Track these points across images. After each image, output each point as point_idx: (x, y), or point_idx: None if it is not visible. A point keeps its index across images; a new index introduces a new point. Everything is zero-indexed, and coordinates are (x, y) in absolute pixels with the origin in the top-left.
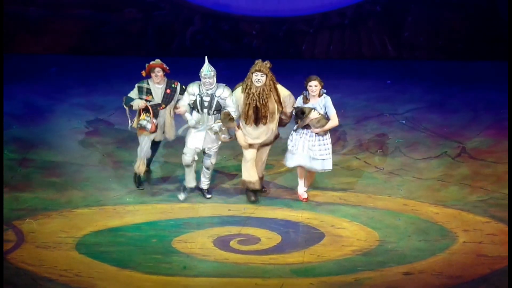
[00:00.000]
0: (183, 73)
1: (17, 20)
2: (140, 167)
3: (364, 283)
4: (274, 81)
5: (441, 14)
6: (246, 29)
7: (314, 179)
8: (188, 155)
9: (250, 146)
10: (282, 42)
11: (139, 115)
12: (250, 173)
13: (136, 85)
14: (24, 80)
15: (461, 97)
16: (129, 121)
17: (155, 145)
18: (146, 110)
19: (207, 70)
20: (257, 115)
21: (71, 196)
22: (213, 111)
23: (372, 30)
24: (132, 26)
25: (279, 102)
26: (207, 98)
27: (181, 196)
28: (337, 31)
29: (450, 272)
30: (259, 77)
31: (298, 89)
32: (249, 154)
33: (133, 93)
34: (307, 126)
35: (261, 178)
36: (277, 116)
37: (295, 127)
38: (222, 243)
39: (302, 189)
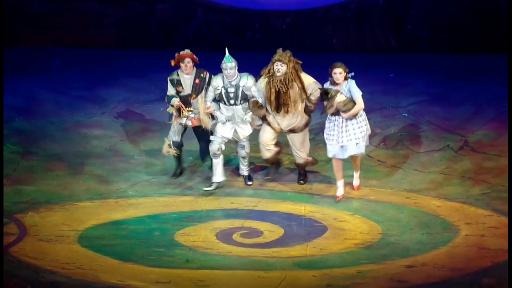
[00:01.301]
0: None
1: (21, 13)
2: (165, 148)
3: (366, 275)
4: (298, 69)
5: (444, 7)
6: (249, 22)
7: (358, 163)
8: (215, 143)
9: (276, 130)
10: (285, 35)
11: (181, 113)
12: (265, 153)
13: (168, 79)
14: (28, 73)
15: (464, 91)
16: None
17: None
18: (180, 109)
19: (228, 61)
20: (279, 102)
21: (73, 189)
22: (240, 101)
23: (375, 23)
24: (135, 19)
25: (303, 89)
26: (231, 89)
27: (209, 188)
28: (340, 24)
29: (453, 265)
30: (279, 67)
31: None
32: (264, 135)
33: (170, 89)
34: (336, 112)
35: (300, 165)
36: (301, 104)
37: (322, 111)
38: (225, 236)
39: (341, 191)
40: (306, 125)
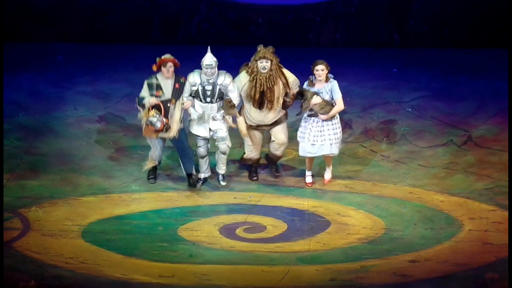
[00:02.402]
0: (189, 61)
1: (24, 8)
2: (149, 165)
3: (370, 270)
4: (280, 64)
5: (447, 2)
6: (252, 17)
7: (331, 160)
8: (202, 148)
9: (255, 129)
10: (288, 30)
11: (148, 111)
12: (252, 152)
13: (146, 82)
14: (31, 68)
15: (467, 85)
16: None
17: (182, 142)
18: (157, 107)
19: (209, 60)
20: (262, 99)
21: (77, 184)
22: (216, 99)
23: (378, 18)
24: (138, 14)
25: (287, 84)
26: (209, 87)
27: (198, 186)
28: (343, 19)
29: (456, 260)
30: (264, 64)
31: (303, 77)
32: (253, 139)
33: (144, 91)
34: (314, 114)
35: (279, 157)
36: (281, 100)
37: (297, 113)
38: (228, 231)
39: (309, 179)
40: (286, 115)
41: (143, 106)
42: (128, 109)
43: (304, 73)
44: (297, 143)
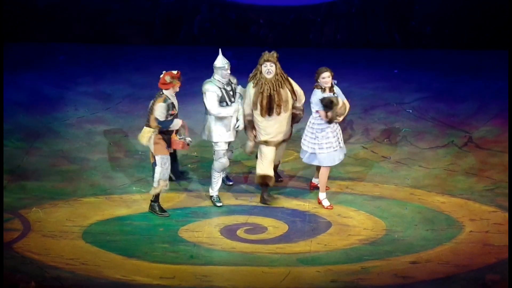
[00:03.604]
0: (191, 61)
1: (25, 8)
2: (163, 187)
3: (370, 271)
4: (284, 72)
5: (448, 3)
6: (253, 18)
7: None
8: (225, 158)
9: (268, 144)
10: (289, 31)
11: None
12: (267, 168)
13: (163, 105)
14: (32, 69)
15: (468, 86)
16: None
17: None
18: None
19: (224, 63)
20: (271, 105)
21: (77, 185)
22: (237, 98)
23: (379, 19)
24: (139, 14)
25: (292, 91)
26: (228, 87)
27: (220, 204)
28: (344, 20)
29: (457, 261)
30: (268, 67)
31: (305, 78)
32: (270, 153)
33: (163, 115)
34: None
35: (276, 166)
36: (290, 106)
37: (325, 120)
38: (229, 232)
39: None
40: (291, 134)
41: (169, 127)
42: (129, 110)
43: (305, 74)
44: (297, 145)
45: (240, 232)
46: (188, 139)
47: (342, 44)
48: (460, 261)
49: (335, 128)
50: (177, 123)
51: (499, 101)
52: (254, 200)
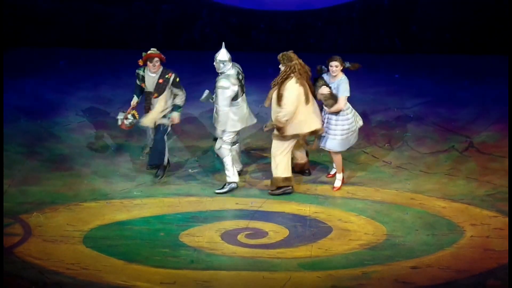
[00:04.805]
0: (191, 66)
1: (26, 13)
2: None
3: (371, 276)
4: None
5: (449, 8)
6: (254, 23)
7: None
8: (228, 146)
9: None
10: (290, 36)
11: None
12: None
13: (136, 72)
14: (33, 74)
15: (469, 92)
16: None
17: (158, 134)
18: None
19: (224, 57)
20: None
21: (78, 189)
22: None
23: (380, 24)
24: (140, 19)
25: (280, 98)
26: (240, 76)
27: (221, 190)
28: (345, 25)
29: (458, 266)
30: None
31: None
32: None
33: (136, 82)
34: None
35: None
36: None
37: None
38: (230, 237)
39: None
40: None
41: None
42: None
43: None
44: None
45: (240, 237)
46: (129, 121)
47: (343, 48)
48: (461, 266)
49: (326, 116)
50: (132, 102)
51: (499, 106)
52: (255, 205)
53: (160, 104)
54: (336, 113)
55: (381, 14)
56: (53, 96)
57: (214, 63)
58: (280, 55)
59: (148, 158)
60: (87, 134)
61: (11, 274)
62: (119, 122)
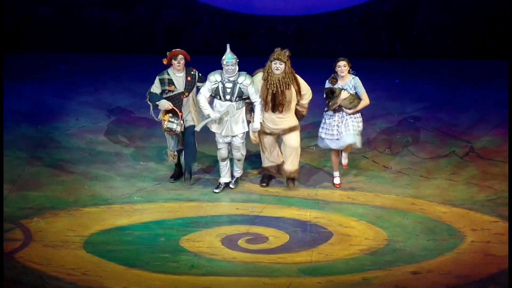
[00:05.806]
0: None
1: (26, 18)
2: (170, 157)
3: (372, 282)
4: (293, 71)
5: (449, 13)
6: (254, 28)
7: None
8: (223, 150)
9: (268, 134)
10: (290, 41)
11: (163, 116)
12: (266, 161)
13: (157, 78)
14: (33, 79)
15: (469, 96)
16: (154, 117)
17: (189, 137)
18: (171, 111)
19: (229, 57)
20: (274, 102)
21: (79, 194)
22: (235, 98)
23: (381, 29)
24: (141, 24)
25: (299, 92)
26: (229, 85)
27: (217, 190)
28: (346, 30)
29: (458, 271)
30: (277, 65)
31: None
32: (267, 141)
33: (156, 88)
34: (339, 109)
35: (290, 172)
36: (293, 106)
37: (326, 109)
38: (230, 242)
39: (337, 180)
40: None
41: (155, 105)
42: (130, 119)
43: (309, 84)
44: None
45: (241, 242)
46: (175, 125)
47: (344, 53)
48: (462, 271)
49: (341, 118)
50: (162, 104)
51: (500, 111)
52: (255, 210)
53: (193, 103)
54: (330, 115)
55: (382, 19)
56: (54, 101)
57: (226, 68)
58: (281, 54)
59: (184, 163)
60: (87, 139)
61: (11, 279)
62: (176, 128)
